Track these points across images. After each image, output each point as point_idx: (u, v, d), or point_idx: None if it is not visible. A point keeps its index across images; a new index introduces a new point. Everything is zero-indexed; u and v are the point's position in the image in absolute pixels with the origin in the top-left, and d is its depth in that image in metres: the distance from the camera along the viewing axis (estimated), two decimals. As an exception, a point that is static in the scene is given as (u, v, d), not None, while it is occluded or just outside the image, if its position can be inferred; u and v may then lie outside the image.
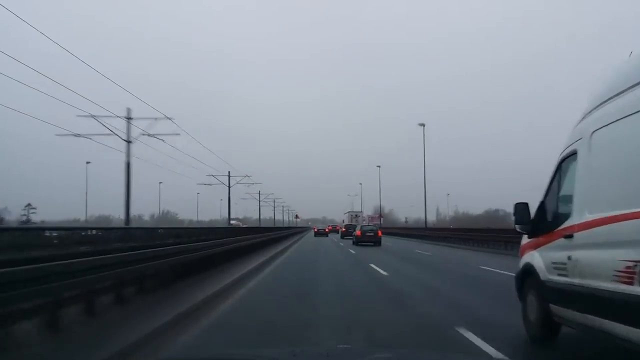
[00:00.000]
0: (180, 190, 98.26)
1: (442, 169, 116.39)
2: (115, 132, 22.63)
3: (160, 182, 71.45)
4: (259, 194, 61.11)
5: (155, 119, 23.94)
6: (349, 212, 79.06)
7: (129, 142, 23.76)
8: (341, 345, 4.66)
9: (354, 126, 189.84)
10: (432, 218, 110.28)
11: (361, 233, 31.10)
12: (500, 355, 4.41)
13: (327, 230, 59.00)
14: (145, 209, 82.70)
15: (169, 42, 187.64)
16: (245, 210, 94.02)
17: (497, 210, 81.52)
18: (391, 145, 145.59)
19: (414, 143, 51.95)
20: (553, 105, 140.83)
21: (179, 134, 25.92)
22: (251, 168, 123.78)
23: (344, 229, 48.89)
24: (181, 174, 36.81)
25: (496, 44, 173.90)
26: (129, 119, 23.75)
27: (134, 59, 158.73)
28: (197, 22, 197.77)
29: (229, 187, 45.09)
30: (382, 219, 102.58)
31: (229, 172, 44.81)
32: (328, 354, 2.43)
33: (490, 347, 4.71)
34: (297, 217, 57.08)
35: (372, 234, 30.96)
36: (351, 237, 42.66)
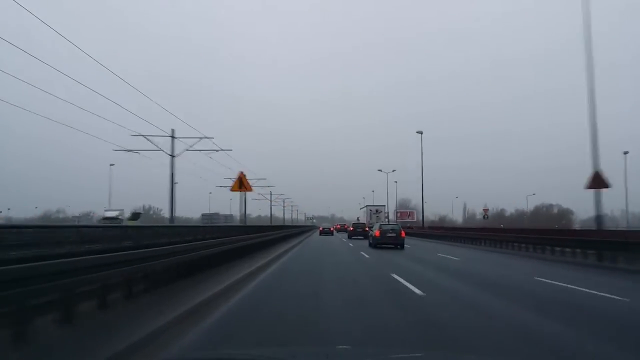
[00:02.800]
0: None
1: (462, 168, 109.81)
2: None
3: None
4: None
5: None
6: (366, 206, 64.83)
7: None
8: (341, 346, 4.66)
9: (368, 126, 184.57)
10: (457, 217, 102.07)
11: (380, 233, 25.79)
12: None
13: (332, 229, 56.88)
14: (127, 205, 77.59)
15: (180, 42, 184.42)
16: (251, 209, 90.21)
17: (550, 206, 72.11)
18: (407, 144, 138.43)
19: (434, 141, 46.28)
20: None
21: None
22: (261, 167, 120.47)
23: (351, 228, 44.52)
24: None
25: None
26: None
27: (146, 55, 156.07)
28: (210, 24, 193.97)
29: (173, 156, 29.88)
30: (415, 214, 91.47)
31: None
32: (327, 355, 2.58)
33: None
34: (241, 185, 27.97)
35: (393, 234, 25.67)
36: (359, 237, 40.11)
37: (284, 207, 69.45)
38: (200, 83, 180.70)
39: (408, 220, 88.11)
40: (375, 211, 61.97)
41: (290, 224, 69.09)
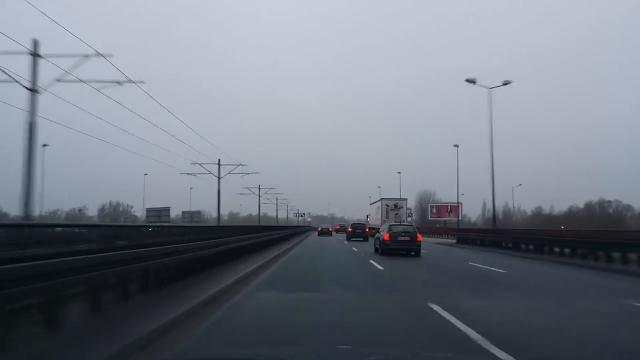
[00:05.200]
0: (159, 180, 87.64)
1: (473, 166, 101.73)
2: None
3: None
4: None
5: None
6: (381, 200, 45.44)
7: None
8: (340, 346, 4.53)
9: (369, 126, 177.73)
10: (474, 217, 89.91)
11: (390, 236, 20.15)
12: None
13: (330, 230, 56.53)
14: (94, 200, 72.15)
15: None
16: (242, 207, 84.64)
17: (609, 202, 61.88)
18: (412, 143, 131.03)
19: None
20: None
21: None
22: (261, 166, 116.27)
23: (350, 229, 40.43)
24: (165, 163, 32.64)
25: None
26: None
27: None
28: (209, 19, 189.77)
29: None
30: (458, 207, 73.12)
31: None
32: (327, 355, 2.62)
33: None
34: None
35: (407, 237, 20.12)
36: (359, 239, 36.36)
37: (259, 195, 56.30)
38: (201, 83, 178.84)
39: (449, 219, 68.85)
40: (394, 206, 42.83)
41: (275, 224, 58.84)
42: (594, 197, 66.75)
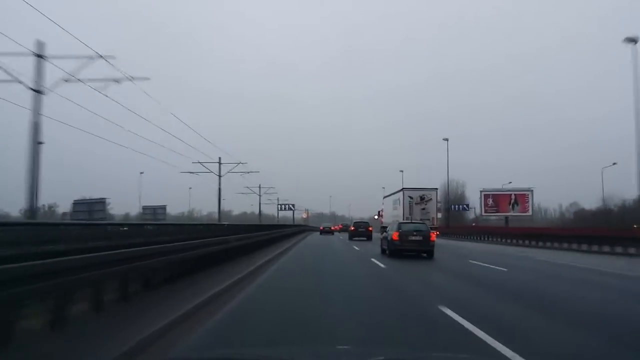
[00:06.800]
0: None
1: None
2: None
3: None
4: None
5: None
6: (402, 190, 33.11)
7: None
8: (341, 346, 4.45)
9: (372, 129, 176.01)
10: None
11: (400, 236, 18.30)
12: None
13: (333, 228, 57.61)
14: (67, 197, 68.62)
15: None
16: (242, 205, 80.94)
17: None
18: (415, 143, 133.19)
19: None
20: None
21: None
22: (262, 165, 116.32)
23: (352, 228, 39.89)
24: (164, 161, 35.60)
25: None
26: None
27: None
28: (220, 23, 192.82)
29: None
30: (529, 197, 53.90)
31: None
32: (327, 355, 2.65)
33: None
34: None
35: (418, 237, 18.27)
36: (362, 238, 35.62)
37: (219, 175, 41.83)
38: (201, 82, 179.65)
39: (515, 214, 54.17)
40: (420, 198, 31.55)
41: (258, 223, 47.28)
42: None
